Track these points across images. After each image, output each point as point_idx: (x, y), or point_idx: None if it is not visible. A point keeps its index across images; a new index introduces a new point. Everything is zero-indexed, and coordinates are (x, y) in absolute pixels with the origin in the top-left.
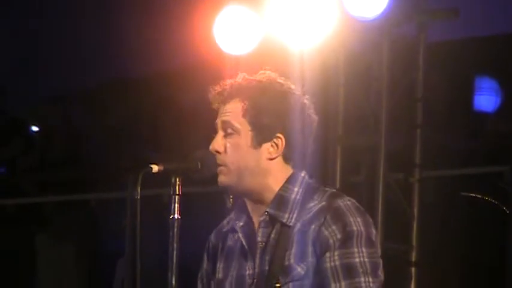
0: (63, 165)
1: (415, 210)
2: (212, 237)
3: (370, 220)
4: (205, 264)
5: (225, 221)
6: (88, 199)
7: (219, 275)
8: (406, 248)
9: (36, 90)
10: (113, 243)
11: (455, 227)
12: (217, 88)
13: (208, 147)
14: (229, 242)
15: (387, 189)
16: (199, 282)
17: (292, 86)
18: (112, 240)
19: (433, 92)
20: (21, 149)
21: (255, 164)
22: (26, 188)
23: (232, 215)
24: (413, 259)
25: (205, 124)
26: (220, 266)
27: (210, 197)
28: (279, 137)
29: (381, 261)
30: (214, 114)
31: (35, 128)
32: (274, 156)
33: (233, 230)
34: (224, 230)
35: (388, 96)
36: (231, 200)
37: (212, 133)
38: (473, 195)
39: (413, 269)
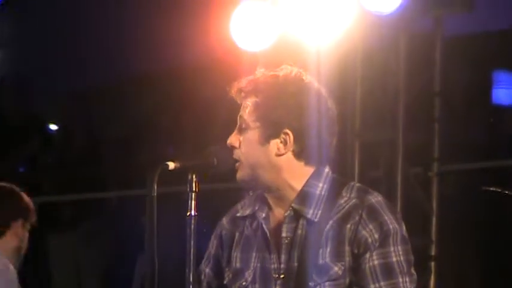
0: (83, 163)
1: (434, 204)
2: (225, 223)
3: (400, 215)
4: (213, 250)
5: (238, 206)
6: (107, 197)
7: (237, 264)
8: (426, 242)
9: (56, 87)
10: (132, 240)
11: (475, 221)
12: (237, 85)
13: (225, 142)
14: (246, 231)
15: (406, 184)
16: (204, 265)
17: (313, 82)
18: (131, 237)
19: (450, 86)
20: (38, 147)
21: (266, 159)
22: (45, 187)
23: (246, 201)
24: (432, 253)
25: (224, 120)
26: (236, 255)
27: (229, 193)
28: (287, 133)
29: (413, 257)
30: (232, 109)
31: (53, 126)
32: (282, 152)
33: (252, 217)
34: (238, 215)
35: (405, 91)
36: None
37: (230, 129)
38: (493, 189)
39: (433, 263)
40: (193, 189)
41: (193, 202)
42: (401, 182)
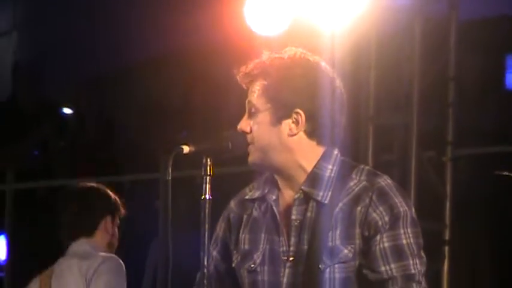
0: (95, 147)
1: (448, 189)
2: (234, 206)
3: (410, 198)
4: (221, 233)
5: (247, 189)
6: (121, 181)
7: (245, 246)
8: (440, 226)
9: (69, 72)
10: (145, 225)
11: (488, 205)
12: (243, 69)
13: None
14: (255, 213)
15: (420, 168)
16: (211, 248)
17: (320, 62)
18: (145, 221)
19: (465, 70)
20: (53, 131)
21: (278, 141)
22: (59, 171)
23: (255, 184)
24: (446, 238)
25: (236, 103)
26: (245, 236)
27: (243, 177)
28: (299, 113)
29: (422, 240)
30: (245, 93)
31: (67, 110)
32: (295, 132)
33: (261, 200)
34: (247, 197)
35: (420, 75)
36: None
37: (242, 113)
38: (507, 173)
39: (446, 248)
40: (208, 173)
41: (207, 186)
42: (415, 166)
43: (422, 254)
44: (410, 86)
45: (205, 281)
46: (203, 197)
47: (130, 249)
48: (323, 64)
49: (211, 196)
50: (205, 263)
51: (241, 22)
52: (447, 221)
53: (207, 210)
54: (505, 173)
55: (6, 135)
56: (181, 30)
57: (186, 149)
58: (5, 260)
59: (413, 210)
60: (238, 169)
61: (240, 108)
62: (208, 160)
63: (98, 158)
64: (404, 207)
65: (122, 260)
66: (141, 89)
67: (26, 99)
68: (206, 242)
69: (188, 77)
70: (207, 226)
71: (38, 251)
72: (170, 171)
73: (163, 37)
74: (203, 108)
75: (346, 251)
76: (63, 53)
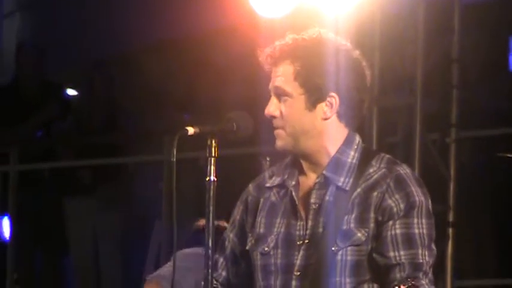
0: (101, 130)
1: (452, 171)
2: (252, 190)
3: (426, 190)
4: (239, 215)
5: (266, 175)
6: (126, 163)
7: (260, 229)
8: (443, 208)
9: (73, 54)
10: (149, 206)
11: (492, 187)
12: (267, 50)
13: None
14: (273, 198)
15: (424, 150)
16: (229, 231)
17: (343, 41)
18: (149, 203)
19: (468, 52)
20: (56, 112)
21: (311, 126)
22: (62, 153)
23: (274, 170)
24: (450, 219)
25: (240, 86)
26: (261, 220)
27: (247, 159)
28: (333, 96)
29: (435, 233)
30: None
31: (71, 92)
32: (329, 115)
33: (280, 186)
34: (267, 185)
35: (423, 58)
36: (267, 162)
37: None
38: (510, 155)
39: (450, 230)
40: (213, 154)
41: (212, 167)
42: (419, 148)
43: (433, 246)
44: (415, 68)
45: (209, 263)
46: (208, 178)
47: (134, 230)
48: (347, 44)
49: (216, 177)
50: (210, 244)
51: (245, 4)
52: (451, 202)
53: (211, 192)
54: (508, 154)
55: (10, 117)
56: (187, 14)
57: (190, 130)
58: (9, 241)
59: (429, 202)
60: (243, 151)
61: (244, 90)
62: (213, 141)
63: (102, 140)
64: (421, 198)
65: (127, 241)
66: (146, 72)
67: (29, 80)
68: (210, 223)
69: (193, 60)
70: (211, 208)
71: (41, 232)
72: (175, 152)
73: (169, 21)
74: (208, 92)
75: (359, 235)
76: (67, 34)
